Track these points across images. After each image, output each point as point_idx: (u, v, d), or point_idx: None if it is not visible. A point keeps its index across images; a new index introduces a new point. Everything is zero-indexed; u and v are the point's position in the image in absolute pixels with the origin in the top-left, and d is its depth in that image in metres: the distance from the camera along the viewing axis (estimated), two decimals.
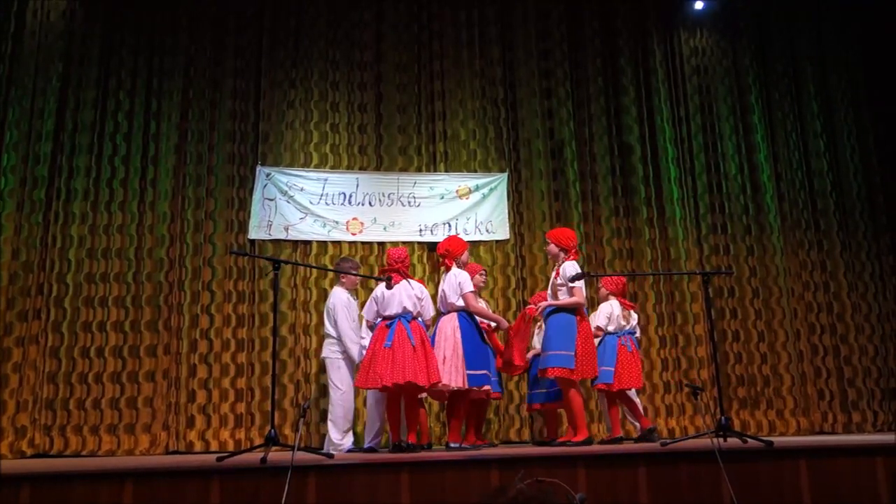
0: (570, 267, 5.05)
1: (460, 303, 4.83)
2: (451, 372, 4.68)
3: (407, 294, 4.85)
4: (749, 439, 4.03)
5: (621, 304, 5.85)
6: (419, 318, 4.88)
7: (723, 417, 4.17)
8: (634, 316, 5.91)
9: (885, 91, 8.14)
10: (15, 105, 6.72)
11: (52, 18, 7.03)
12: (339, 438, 5.46)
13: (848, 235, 7.83)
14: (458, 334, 4.79)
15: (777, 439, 4.99)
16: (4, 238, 6.43)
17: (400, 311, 4.81)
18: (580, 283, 5.00)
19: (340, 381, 5.53)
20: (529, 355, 6.30)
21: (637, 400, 6.00)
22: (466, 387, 4.69)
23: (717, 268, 7.45)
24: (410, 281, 4.96)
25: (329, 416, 5.58)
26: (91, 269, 6.56)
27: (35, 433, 6.13)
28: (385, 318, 4.84)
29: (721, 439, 4.00)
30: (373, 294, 5.05)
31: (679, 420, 7.02)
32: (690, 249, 7.53)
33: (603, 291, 6.03)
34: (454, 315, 4.85)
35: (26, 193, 6.59)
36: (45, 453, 6.09)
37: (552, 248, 5.22)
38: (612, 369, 5.58)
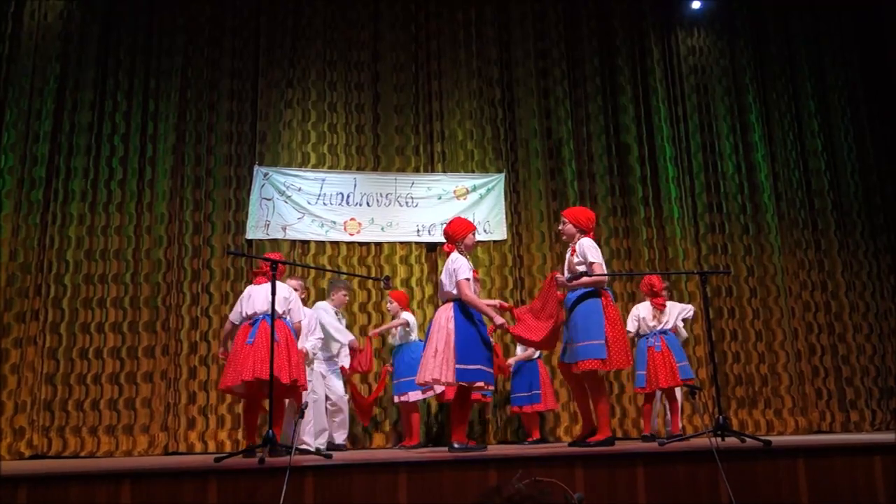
0: (589, 243, 4.65)
1: (456, 291, 4.47)
2: (441, 366, 4.35)
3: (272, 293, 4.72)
4: (747, 439, 4.03)
5: (652, 304, 5.88)
6: (285, 318, 4.78)
7: (721, 417, 4.17)
8: (669, 313, 5.91)
9: (882, 90, 8.16)
10: (12, 106, 6.71)
11: (50, 19, 7.03)
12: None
13: (845, 234, 7.84)
14: (452, 325, 4.40)
15: (775, 438, 5.00)
16: (2, 239, 6.42)
17: (266, 308, 4.65)
18: (600, 259, 4.59)
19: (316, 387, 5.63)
20: (512, 360, 6.36)
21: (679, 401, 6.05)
22: (455, 382, 4.34)
23: (714, 267, 7.45)
24: (277, 282, 4.77)
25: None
26: (89, 271, 6.56)
27: (33, 434, 6.12)
28: (248, 318, 4.73)
29: (719, 439, 4.00)
30: (241, 296, 4.92)
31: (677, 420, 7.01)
32: (688, 249, 7.54)
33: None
34: (450, 305, 4.48)
35: (24, 195, 6.58)
36: (43, 454, 6.09)
37: (569, 227, 4.76)
38: (644, 373, 5.74)
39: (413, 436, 6.07)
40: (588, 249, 4.61)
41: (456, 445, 4.30)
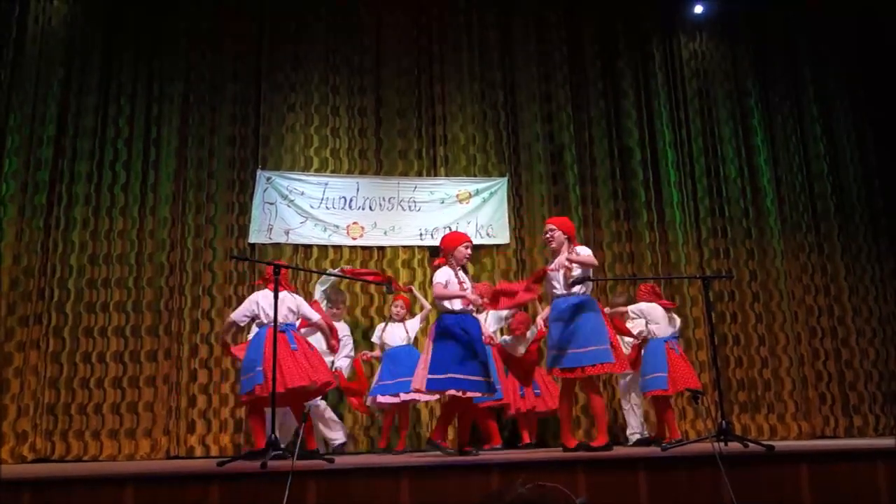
0: (584, 249, 4.78)
1: (445, 304, 4.62)
2: (418, 376, 4.61)
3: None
4: (750, 443, 4.02)
5: (664, 307, 5.91)
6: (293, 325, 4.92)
7: (723, 422, 4.17)
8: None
9: (884, 93, 8.15)
10: (16, 110, 6.73)
11: (54, 24, 7.05)
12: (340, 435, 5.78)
13: (848, 238, 7.83)
14: (431, 338, 4.66)
15: (778, 443, 4.98)
16: (6, 243, 6.43)
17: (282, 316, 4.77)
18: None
19: None
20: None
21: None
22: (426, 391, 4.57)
23: (717, 271, 7.44)
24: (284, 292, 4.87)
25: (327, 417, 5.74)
26: (92, 275, 6.57)
27: (36, 438, 6.12)
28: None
29: (722, 444, 3.99)
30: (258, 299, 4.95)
31: (679, 424, 6.99)
32: (690, 253, 7.53)
33: None
34: (441, 316, 4.69)
35: (27, 198, 6.59)
36: (46, 458, 6.09)
37: (559, 234, 4.81)
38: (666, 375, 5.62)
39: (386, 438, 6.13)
40: (587, 255, 4.77)
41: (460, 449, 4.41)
